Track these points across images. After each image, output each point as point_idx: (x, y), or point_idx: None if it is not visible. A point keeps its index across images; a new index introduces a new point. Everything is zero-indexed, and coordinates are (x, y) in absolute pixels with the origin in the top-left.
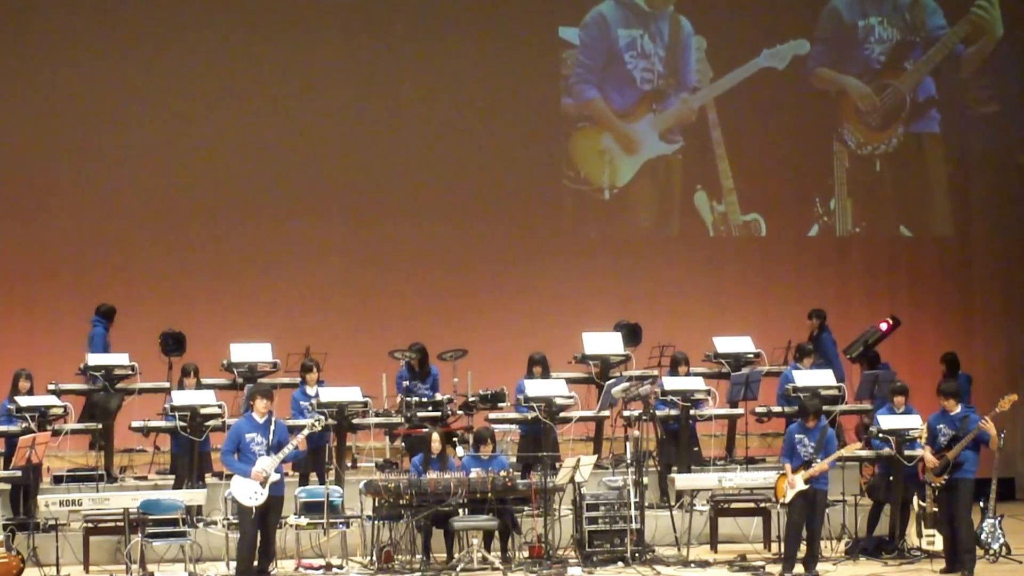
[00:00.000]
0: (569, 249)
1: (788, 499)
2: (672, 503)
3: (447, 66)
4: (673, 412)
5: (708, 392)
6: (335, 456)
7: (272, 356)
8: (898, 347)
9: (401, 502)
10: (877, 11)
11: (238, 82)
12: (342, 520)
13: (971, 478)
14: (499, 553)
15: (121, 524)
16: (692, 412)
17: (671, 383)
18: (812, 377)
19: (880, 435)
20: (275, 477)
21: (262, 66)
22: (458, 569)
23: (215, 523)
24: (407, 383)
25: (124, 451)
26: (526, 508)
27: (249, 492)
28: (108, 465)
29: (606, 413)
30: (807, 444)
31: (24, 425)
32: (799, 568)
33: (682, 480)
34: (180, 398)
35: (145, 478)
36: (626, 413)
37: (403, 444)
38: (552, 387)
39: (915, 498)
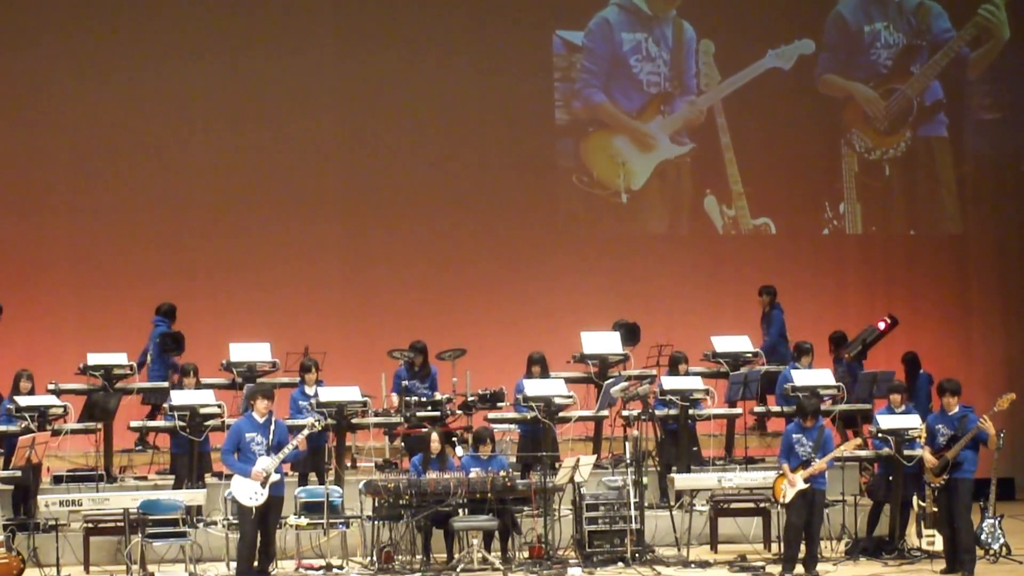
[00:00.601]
0: (568, 249)
1: (787, 499)
2: (672, 503)
3: (444, 65)
4: (672, 412)
5: (707, 392)
6: (335, 456)
7: (271, 356)
8: (898, 347)
9: (401, 502)
10: (883, 16)
11: (237, 83)
12: (342, 520)
13: (970, 478)
14: (499, 553)
15: (121, 524)
16: (691, 412)
17: (670, 383)
18: (811, 377)
19: (880, 435)
20: (275, 477)
21: (261, 68)
22: (458, 569)
23: (215, 523)
24: (406, 383)
25: (124, 451)
26: (526, 508)
27: (249, 492)
28: (108, 465)
29: (605, 413)
30: (805, 443)
31: (24, 425)
32: (799, 568)
33: (682, 480)
34: (179, 398)
35: (145, 478)
36: (625, 413)
37: (403, 444)
38: (551, 387)
39: (915, 498)
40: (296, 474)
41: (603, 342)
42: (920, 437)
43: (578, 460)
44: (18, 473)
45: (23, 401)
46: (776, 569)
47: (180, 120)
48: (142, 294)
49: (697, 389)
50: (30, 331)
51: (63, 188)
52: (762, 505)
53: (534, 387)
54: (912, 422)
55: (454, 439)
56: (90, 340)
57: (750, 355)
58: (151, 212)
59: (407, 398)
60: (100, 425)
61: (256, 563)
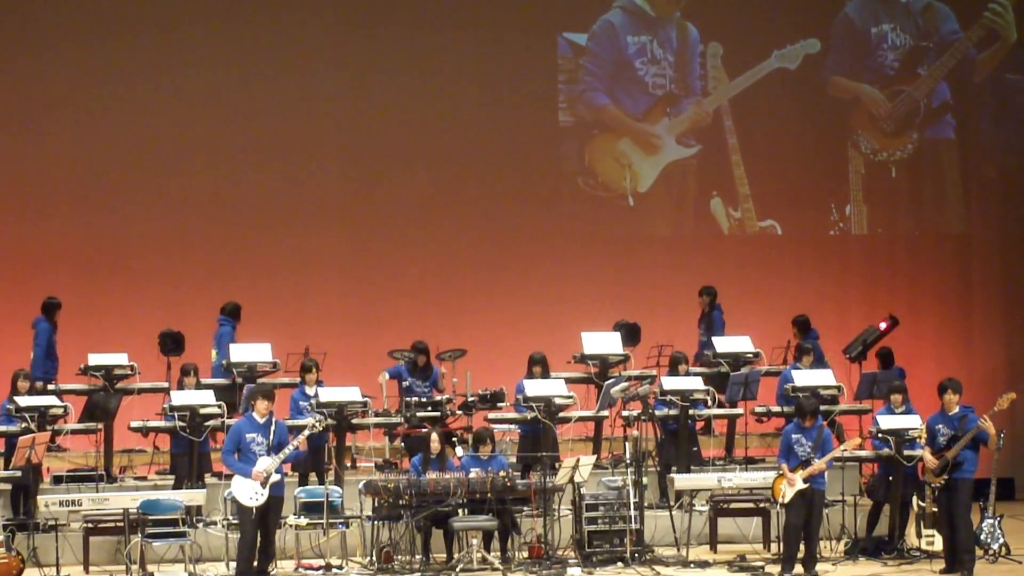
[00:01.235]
0: (569, 250)
1: (786, 500)
2: (671, 503)
3: (446, 64)
4: (672, 412)
5: (707, 392)
6: (334, 456)
7: (272, 356)
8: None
9: (401, 502)
10: (890, 18)
11: (238, 83)
12: (342, 520)
13: (970, 478)
14: (499, 553)
15: (121, 524)
16: (691, 412)
17: (670, 383)
18: (811, 377)
19: (880, 435)
20: (275, 477)
21: (262, 68)
22: (458, 569)
23: (215, 523)
24: (407, 382)
25: (124, 451)
26: (525, 508)
27: (249, 492)
28: (108, 465)
29: (605, 413)
30: (804, 444)
31: (24, 425)
32: (798, 568)
33: (681, 480)
34: (179, 398)
35: (145, 478)
36: (625, 413)
37: (403, 444)
38: (551, 387)
39: (915, 498)
40: (296, 474)
41: (603, 342)
42: (920, 437)
43: (578, 460)
44: (18, 473)
45: (23, 401)
46: (775, 569)
47: (181, 123)
48: (142, 294)
49: (697, 389)
50: (30, 331)
51: (64, 189)
52: (761, 505)
53: (534, 387)
54: (912, 422)
55: (454, 439)
56: (90, 340)
57: (750, 355)
58: (152, 213)
59: (407, 398)
60: (100, 425)
61: (256, 563)
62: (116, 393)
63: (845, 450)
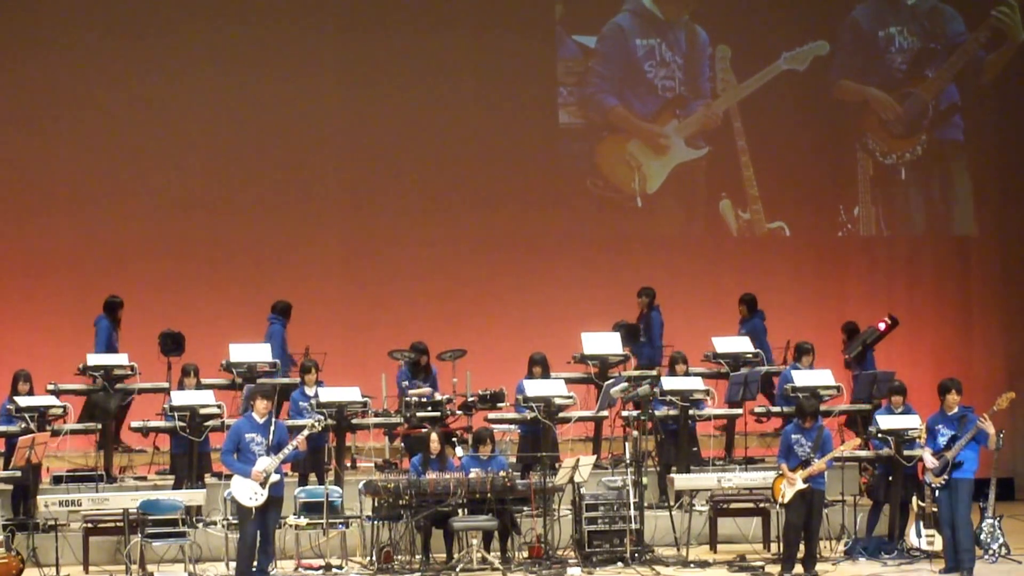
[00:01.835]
0: (569, 250)
1: (786, 500)
2: (671, 503)
3: (447, 64)
4: (672, 412)
5: (707, 392)
6: (334, 456)
7: (271, 356)
8: (899, 347)
9: (401, 502)
10: (897, 20)
11: (237, 83)
12: (342, 520)
13: (970, 478)
14: (498, 553)
15: (121, 524)
16: (691, 412)
17: (670, 383)
18: (811, 377)
19: (879, 435)
20: (275, 477)
21: (262, 67)
22: (458, 569)
23: (215, 523)
24: (407, 383)
25: (123, 451)
26: (525, 508)
27: (249, 492)
28: (108, 465)
29: (605, 413)
30: (804, 444)
31: (24, 425)
32: (798, 568)
33: (681, 480)
34: (179, 398)
35: (145, 478)
36: (625, 413)
37: (402, 444)
38: (551, 387)
39: (914, 498)
40: (296, 474)
41: (603, 343)
42: (920, 437)
43: (578, 460)
44: (18, 473)
45: (23, 401)
46: (775, 569)
47: (181, 123)
48: (142, 295)
49: (697, 389)
50: (30, 331)
51: (63, 189)
52: (761, 505)
53: (534, 388)
54: (912, 422)
55: (454, 439)
56: (90, 340)
57: (750, 355)
58: (152, 213)
59: (407, 398)
60: (100, 425)
61: (256, 563)
62: (116, 393)
63: (844, 451)
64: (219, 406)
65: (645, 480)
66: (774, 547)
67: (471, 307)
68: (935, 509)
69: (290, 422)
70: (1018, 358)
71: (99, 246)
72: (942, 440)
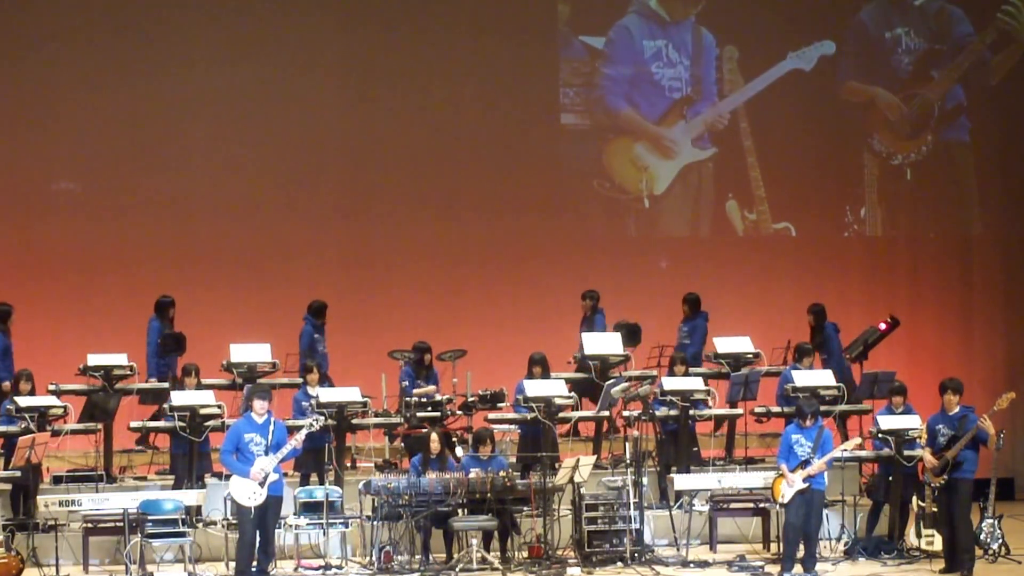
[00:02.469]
0: (570, 251)
1: (786, 500)
2: (671, 503)
3: (447, 64)
4: (672, 412)
5: (708, 392)
6: (334, 456)
7: (271, 356)
8: (899, 347)
9: (400, 502)
10: (903, 21)
11: (237, 82)
12: (342, 520)
13: (970, 478)
14: (498, 553)
15: (120, 524)
16: (691, 412)
17: (670, 383)
18: (811, 377)
19: (880, 435)
20: (274, 477)
21: (262, 70)
22: (457, 569)
23: (214, 523)
24: (407, 383)
25: (124, 451)
26: (525, 508)
27: (248, 492)
28: (108, 465)
29: (605, 413)
30: (804, 444)
31: (24, 425)
32: (798, 568)
33: (681, 480)
34: (179, 398)
35: (145, 478)
36: (625, 413)
37: (402, 444)
38: (552, 387)
39: (914, 498)
40: (298, 475)
41: (604, 343)
42: (920, 437)
43: (578, 460)
44: (18, 473)
45: (23, 402)
46: (775, 569)
47: (180, 122)
48: (142, 295)
49: (698, 390)
50: (30, 331)
51: (62, 189)
52: (761, 505)
53: (534, 388)
54: (912, 422)
55: (454, 440)
56: (90, 340)
57: (751, 356)
58: (152, 213)
59: (409, 398)
60: (100, 425)
61: (255, 563)
62: (116, 393)
63: (843, 451)
64: (219, 406)
65: (645, 480)
66: (774, 547)
67: (472, 307)
68: (935, 509)
69: (290, 422)
70: (1019, 358)
71: (99, 246)
72: (942, 440)
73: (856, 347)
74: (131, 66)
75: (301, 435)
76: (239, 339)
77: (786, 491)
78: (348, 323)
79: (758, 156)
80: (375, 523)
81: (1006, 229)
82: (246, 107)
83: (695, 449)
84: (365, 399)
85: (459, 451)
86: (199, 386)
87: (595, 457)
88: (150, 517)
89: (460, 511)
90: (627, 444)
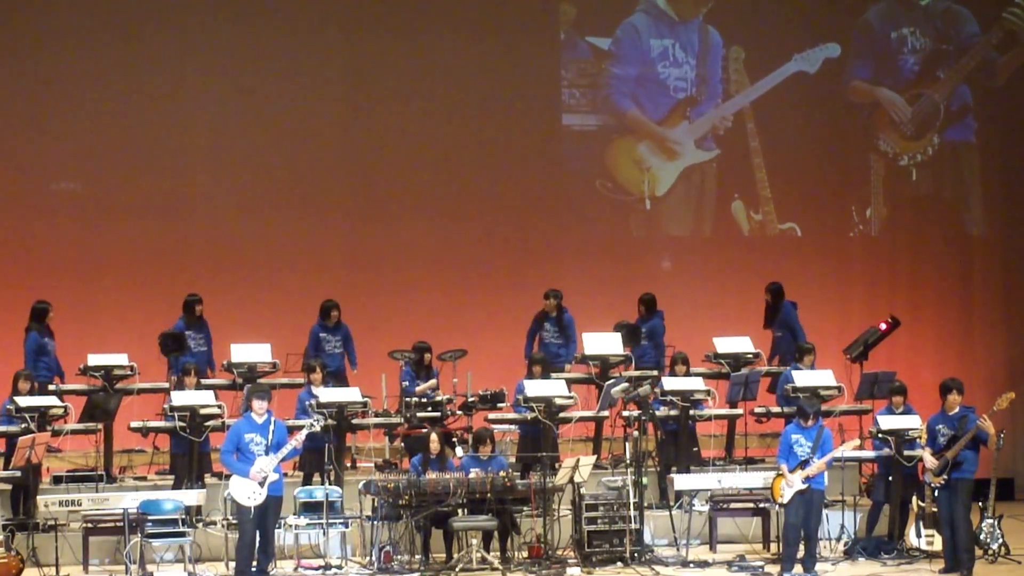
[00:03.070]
0: (571, 251)
1: (786, 500)
2: (671, 503)
3: (449, 65)
4: (672, 412)
5: (708, 392)
6: (334, 456)
7: (272, 356)
8: (900, 347)
9: (400, 502)
10: (909, 21)
11: (238, 81)
12: (342, 520)
13: (970, 478)
14: (498, 553)
15: (121, 524)
16: (692, 412)
17: (670, 383)
18: (812, 377)
19: (880, 435)
20: (274, 477)
21: (263, 67)
22: (457, 569)
23: (214, 523)
24: (407, 383)
25: (124, 451)
26: (525, 508)
27: (248, 492)
28: (108, 465)
29: (605, 413)
30: (804, 444)
31: (24, 425)
32: (798, 568)
33: (681, 480)
34: (179, 398)
35: (145, 478)
36: (625, 413)
37: (402, 444)
38: (552, 387)
39: (914, 498)
40: (299, 475)
41: (604, 343)
42: (920, 437)
43: (578, 460)
44: (18, 473)
45: (23, 401)
46: (775, 569)
47: (181, 122)
48: (142, 295)
49: (698, 390)
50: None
51: (62, 189)
52: (761, 505)
53: (535, 388)
54: (912, 422)
55: (454, 440)
56: (90, 340)
57: (751, 356)
58: (152, 213)
59: (409, 397)
60: (100, 425)
61: (255, 563)
62: (116, 393)
63: (843, 451)
64: (219, 406)
65: (645, 480)
66: (774, 547)
67: (472, 307)
68: (935, 509)
69: (291, 422)
70: (1019, 358)
71: (100, 246)
72: (942, 440)
73: (856, 347)
74: (131, 67)
75: (301, 435)
76: (239, 339)
77: (786, 491)
78: (349, 323)
79: (764, 156)
80: (375, 523)
81: (1007, 229)
82: (247, 107)
83: (695, 449)
84: (365, 399)
85: (459, 451)
86: (199, 386)
87: (595, 457)
88: (150, 517)
89: (460, 511)
90: (627, 444)
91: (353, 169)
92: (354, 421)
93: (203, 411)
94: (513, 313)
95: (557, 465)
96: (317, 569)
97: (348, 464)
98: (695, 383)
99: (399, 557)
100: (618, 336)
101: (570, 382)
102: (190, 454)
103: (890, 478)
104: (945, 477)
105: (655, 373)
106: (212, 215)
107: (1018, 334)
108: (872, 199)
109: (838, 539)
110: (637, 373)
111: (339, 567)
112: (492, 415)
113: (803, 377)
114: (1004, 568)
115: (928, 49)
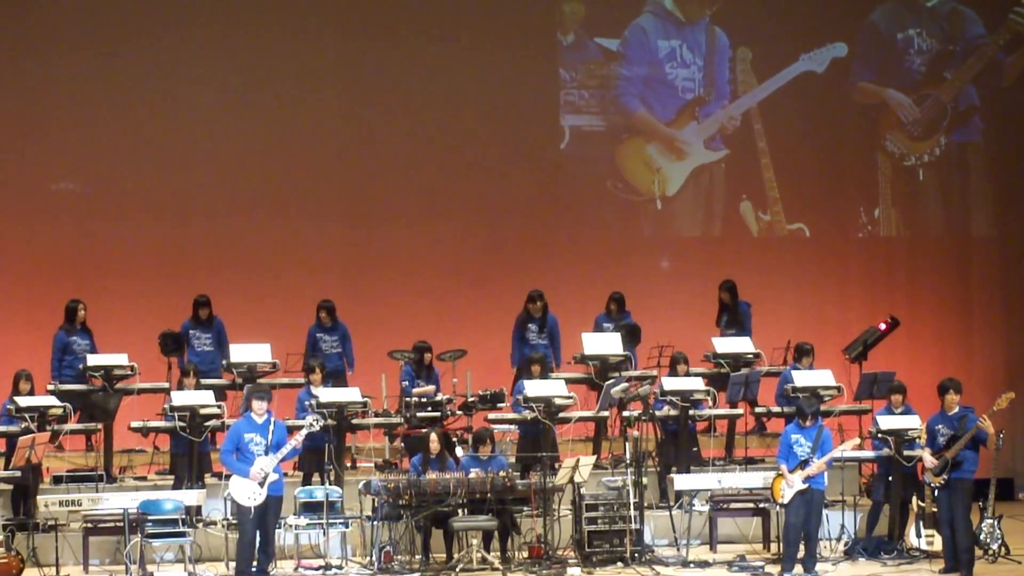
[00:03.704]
0: (571, 251)
1: (786, 500)
2: (671, 503)
3: (450, 66)
4: (672, 412)
5: (707, 392)
6: (334, 456)
7: (271, 356)
8: (900, 347)
9: (401, 502)
10: (916, 22)
11: (238, 83)
12: (342, 520)
13: (970, 478)
14: (498, 553)
15: (121, 524)
16: (691, 412)
17: (670, 383)
18: (811, 377)
19: (879, 435)
20: (274, 477)
21: (263, 68)
22: (457, 569)
23: (215, 523)
24: (407, 383)
25: (124, 451)
26: (525, 508)
27: (248, 492)
28: (108, 465)
29: (605, 413)
30: (804, 444)
31: (24, 425)
32: (798, 568)
33: (681, 480)
34: (179, 398)
35: (145, 478)
36: (625, 413)
37: (402, 444)
38: (551, 387)
39: (914, 498)
40: (301, 474)
41: (604, 343)
42: (920, 437)
43: (578, 460)
44: (18, 473)
45: (23, 402)
46: (775, 569)
47: (181, 123)
48: (142, 295)
49: (698, 390)
50: (30, 331)
51: (63, 189)
52: (761, 505)
53: (534, 388)
54: (912, 422)
55: (454, 440)
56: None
57: (750, 356)
58: (152, 213)
59: (407, 399)
60: (100, 425)
61: (255, 563)
62: (116, 393)
63: (843, 451)
64: (219, 406)
65: (645, 480)
66: (774, 547)
67: (472, 307)
68: (935, 509)
69: (291, 422)
70: (1019, 358)
71: (100, 247)
72: (942, 440)
73: (856, 347)
74: (132, 68)
75: (301, 435)
76: (239, 339)
77: (786, 491)
78: (348, 323)
79: (772, 157)
80: (375, 523)
81: (1008, 229)
82: (247, 109)
83: (695, 449)
84: (365, 399)
85: (459, 451)
86: (198, 386)
87: (595, 457)
88: (150, 517)
89: (460, 511)
90: (627, 444)
91: (355, 169)
92: (354, 421)
93: (203, 411)
94: (514, 314)
95: (557, 465)
96: (317, 569)
97: (348, 464)
98: (695, 383)
99: (399, 557)
100: (618, 336)
101: (569, 382)
102: (190, 454)
103: (890, 478)
104: (945, 477)
105: (654, 374)
106: (212, 216)
107: (1017, 334)
108: (880, 200)
109: (838, 539)
110: (637, 373)
111: (339, 567)
112: (492, 415)
113: (802, 377)
114: (1004, 568)
115: (934, 50)
